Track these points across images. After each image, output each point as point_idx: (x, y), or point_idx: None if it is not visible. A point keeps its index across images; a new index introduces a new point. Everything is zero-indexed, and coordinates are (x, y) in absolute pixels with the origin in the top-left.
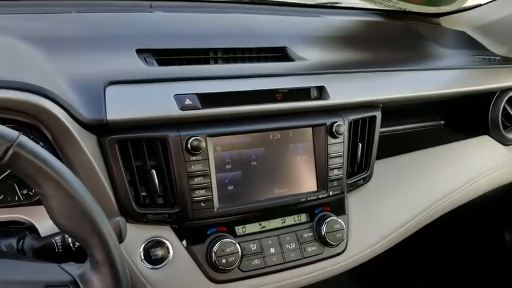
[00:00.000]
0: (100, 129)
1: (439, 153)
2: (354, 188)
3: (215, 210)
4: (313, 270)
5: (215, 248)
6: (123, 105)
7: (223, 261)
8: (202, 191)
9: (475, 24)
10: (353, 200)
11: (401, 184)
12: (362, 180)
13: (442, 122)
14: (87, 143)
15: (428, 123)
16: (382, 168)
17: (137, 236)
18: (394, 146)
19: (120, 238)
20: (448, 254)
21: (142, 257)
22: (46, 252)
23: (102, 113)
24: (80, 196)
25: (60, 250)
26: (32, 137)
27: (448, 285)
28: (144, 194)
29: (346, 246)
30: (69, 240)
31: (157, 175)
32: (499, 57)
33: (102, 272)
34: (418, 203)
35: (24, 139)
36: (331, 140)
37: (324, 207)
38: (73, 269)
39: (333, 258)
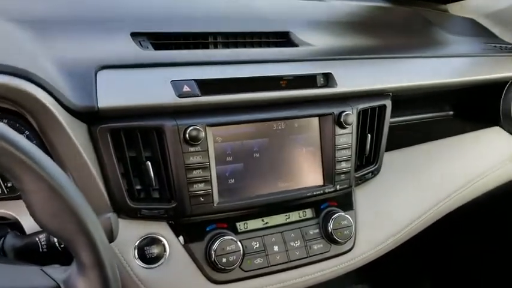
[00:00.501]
0: (90, 117)
1: (449, 145)
2: (362, 182)
3: (215, 205)
4: (320, 269)
5: (215, 246)
6: (116, 92)
7: (224, 260)
8: (201, 185)
9: (483, 11)
10: (361, 195)
11: (411, 178)
12: (370, 174)
13: (451, 112)
14: (76, 132)
15: (436, 114)
16: (390, 160)
17: (131, 232)
18: (403, 138)
19: (111, 237)
20: (455, 251)
21: (136, 255)
22: (29, 252)
23: (93, 100)
24: (64, 190)
25: (45, 250)
26: (17, 125)
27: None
28: (138, 187)
29: (354, 243)
30: (55, 239)
31: (152, 167)
32: (510, 45)
33: (90, 276)
34: (428, 198)
35: (0, 126)
36: (338, 131)
37: (331, 202)
38: (57, 272)
39: (340, 256)
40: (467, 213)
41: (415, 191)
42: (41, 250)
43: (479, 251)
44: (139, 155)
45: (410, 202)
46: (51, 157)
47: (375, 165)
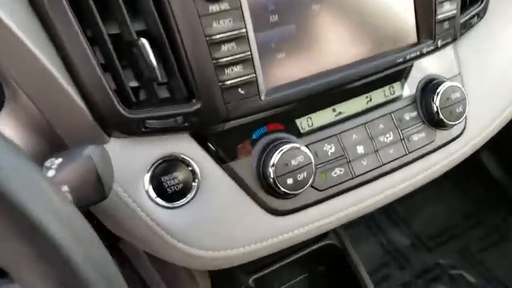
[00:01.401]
0: None
1: None
2: (466, 31)
3: (263, 97)
4: (423, 168)
5: (272, 161)
6: None
7: (289, 181)
8: (238, 68)
9: None
10: (464, 51)
11: None
12: (476, 17)
13: None
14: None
15: None
16: None
17: (137, 157)
18: None
19: (103, 193)
20: None
21: (152, 191)
22: None
23: None
24: None
25: None
26: None
27: None
28: (133, 84)
29: (465, 125)
30: None
31: (152, 47)
32: None
33: None
34: None
35: None
36: None
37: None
38: None
39: (448, 145)
40: None
41: None
42: None
43: None
44: (125, 30)
45: None
46: None
47: (482, 2)
